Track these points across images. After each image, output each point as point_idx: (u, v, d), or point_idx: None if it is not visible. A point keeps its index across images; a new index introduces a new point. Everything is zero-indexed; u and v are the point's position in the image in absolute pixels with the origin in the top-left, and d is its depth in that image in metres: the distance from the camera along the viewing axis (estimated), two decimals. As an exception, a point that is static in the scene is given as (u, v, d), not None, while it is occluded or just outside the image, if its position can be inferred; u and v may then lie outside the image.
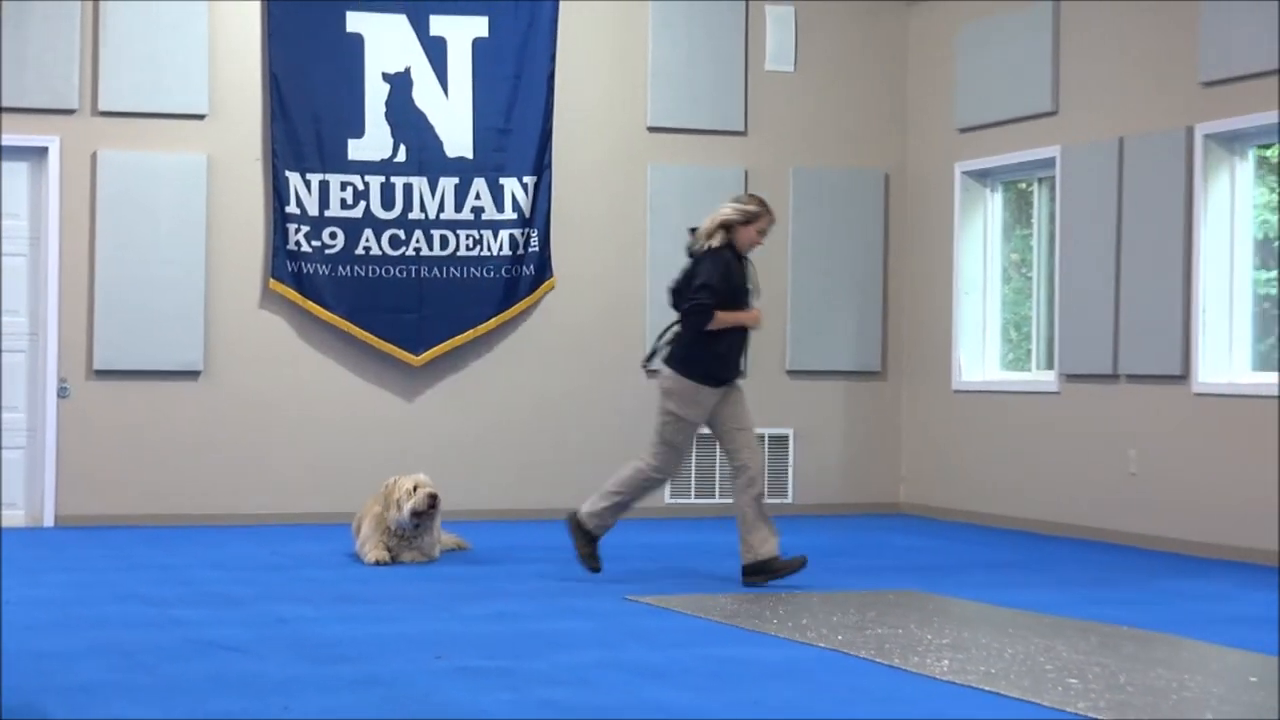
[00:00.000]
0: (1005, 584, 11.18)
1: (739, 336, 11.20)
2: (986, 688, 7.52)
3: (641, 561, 12.45)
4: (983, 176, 15.86)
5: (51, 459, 14.64)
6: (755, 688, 7.55)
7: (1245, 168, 13.26)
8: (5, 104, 14.51)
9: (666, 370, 11.17)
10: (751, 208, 11.22)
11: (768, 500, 11.18)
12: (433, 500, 12.17)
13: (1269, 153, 13.24)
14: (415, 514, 12.13)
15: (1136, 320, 13.70)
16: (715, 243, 11.12)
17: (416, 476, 12.32)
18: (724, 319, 11.00)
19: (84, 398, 14.74)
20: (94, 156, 14.75)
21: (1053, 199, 14.88)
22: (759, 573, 10.96)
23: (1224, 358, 13.24)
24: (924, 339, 16.36)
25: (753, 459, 11.11)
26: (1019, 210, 15.81)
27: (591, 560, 11.31)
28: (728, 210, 11.20)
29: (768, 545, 10.97)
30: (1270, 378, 12.94)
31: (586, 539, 11.31)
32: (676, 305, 11.29)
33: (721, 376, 11.12)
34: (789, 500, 16.22)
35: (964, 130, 15.83)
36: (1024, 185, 15.65)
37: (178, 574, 11.52)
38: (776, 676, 7.84)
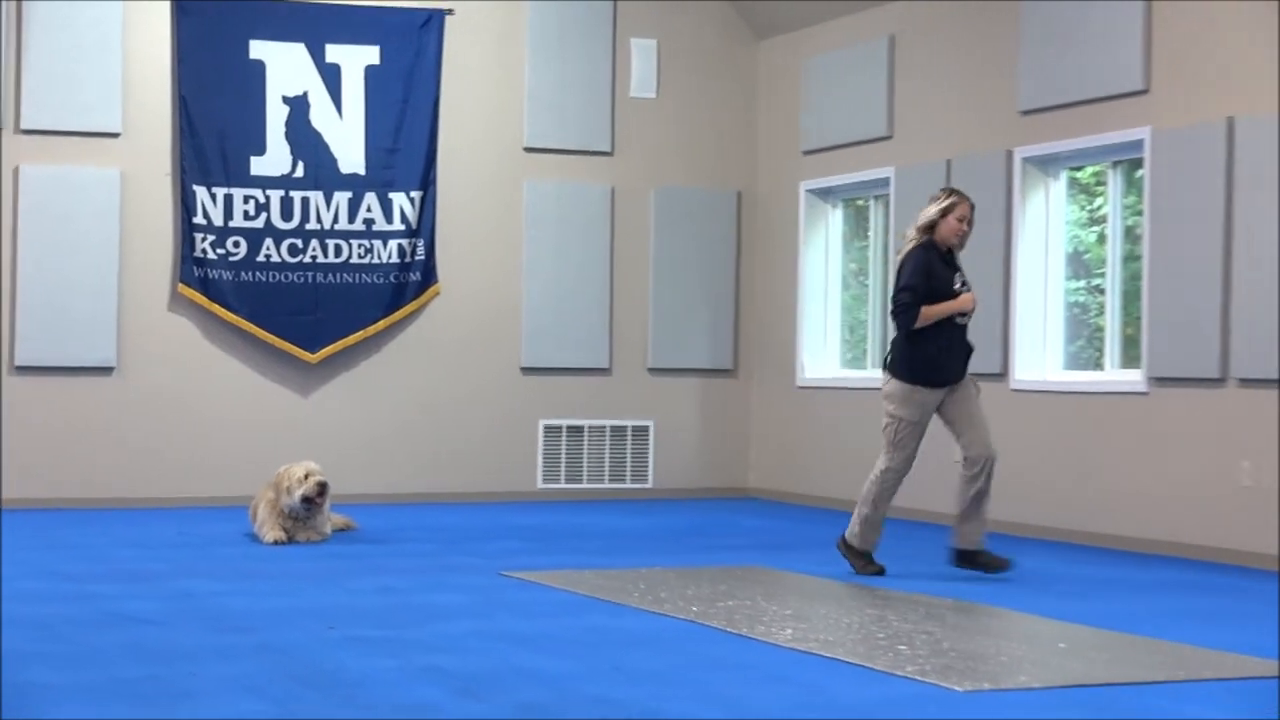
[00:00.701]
0: (840, 560, 11.20)
1: (953, 335, 10.47)
2: (826, 654, 7.55)
3: (514, 540, 12.44)
4: (825, 195, 15.93)
5: (-21, 446, 14.48)
6: (617, 654, 7.56)
7: (1058, 187, 13.38)
8: (-66, 122, 14.35)
9: (884, 374, 10.66)
10: (945, 201, 10.48)
11: (981, 494, 10.45)
12: (322, 488, 12.09)
13: (1079, 174, 13.37)
14: (305, 500, 12.06)
15: (961, 324, 13.80)
16: (916, 243, 10.50)
17: (307, 465, 12.24)
18: (929, 313, 10.35)
19: (5, 392, 14.56)
20: (16, 171, 14.57)
21: (887, 214, 14.95)
22: (968, 562, 10.50)
23: (1039, 358, 13.36)
24: (771, 340, 16.41)
25: (980, 452, 10.49)
26: (857, 225, 15.88)
27: (871, 567, 10.62)
28: (929, 210, 10.49)
29: (976, 537, 10.51)
30: (1078, 376, 13.09)
31: (860, 556, 10.64)
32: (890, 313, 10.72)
33: (935, 378, 10.45)
34: (649, 485, 16.26)
35: (808, 152, 15.88)
36: (861, 202, 15.72)
37: (93, 552, 11.41)
38: (637, 644, 7.84)
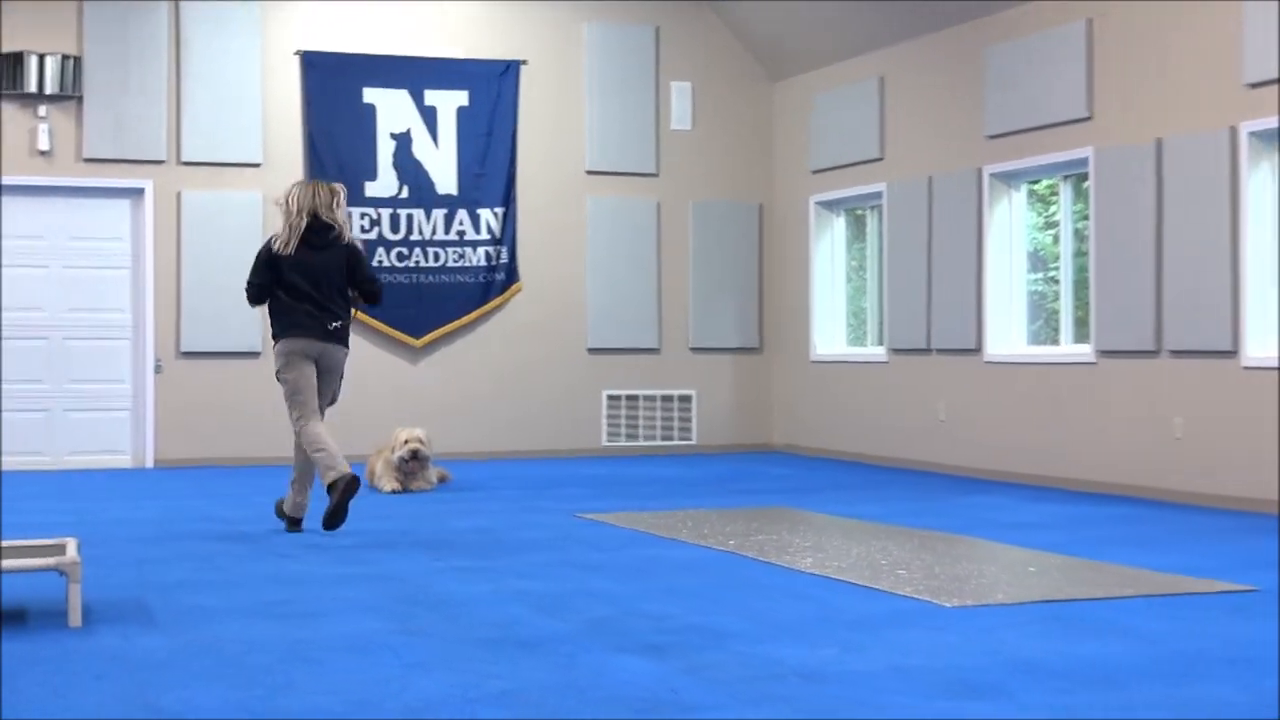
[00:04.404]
0: (851, 501, 11.18)
1: None
2: (839, 578, 7.50)
3: (584, 488, 12.41)
4: (830, 206, 15.84)
5: (150, 417, 14.50)
6: (668, 578, 7.51)
7: (1019, 198, 13.27)
8: (111, 157, 14.36)
9: None
10: None
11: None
12: (414, 454, 12.09)
13: (1036, 186, 13.25)
14: (402, 459, 12.07)
15: (945, 307, 13.71)
16: None
17: (410, 430, 12.24)
18: None
19: (174, 372, 14.60)
20: (178, 195, 14.59)
21: (881, 221, 14.86)
22: None
23: (1006, 336, 13.26)
24: (789, 323, 16.34)
25: None
26: (857, 230, 15.79)
27: None
28: None
29: None
30: (1039, 350, 12.98)
31: None
32: None
33: None
34: (693, 442, 16.20)
35: (816, 171, 15.79)
36: (860, 212, 15.63)
37: (241, 500, 11.43)
38: (684, 570, 7.80)
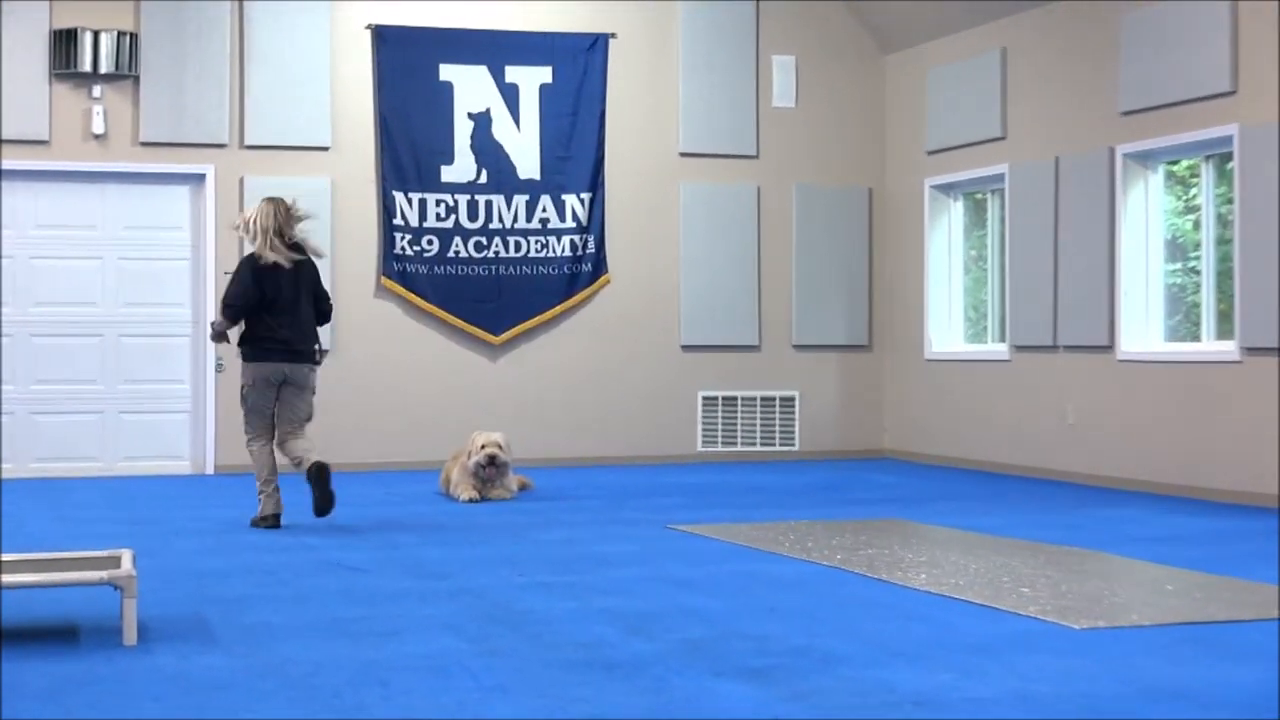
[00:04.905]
0: (969, 513, 11.11)
1: None
2: (956, 596, 7.45)
3: (677, 497, 12.40)
4: (947, 190, 15.75)
5: (211, 420, 14.65)
6: (770, 596, 7.50)
7: (1156, 180, 13.13)
8: (170, 140, 14.53)
9: None
10: None
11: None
12: (490, 459, 12.13)
13: (1175, 168, 13.11)
14: (479, 465, 12.12)
15: (1073, 301, 13.60)
16: None
17: (488, 435, 12.28)
18: None
19: (236, 372, 14.69)
20: (241, 181, 14.74)
21: (1003, 206, 14.77)
22: None
23: (1142, 331, 13.12)
24: (901, 318, 16.27)
25: None
26: (976, 216, 15.69)
27: None
28: None
29: None
30: (1177, 347, 12.84)
31: None
32: None
33: None
34: (796, 447, 16.16)
35: (931, 152, 15.71)
36: (979, 196, 15.53)
37: (311, 509, 11.49)
38: (787, 587, 7.78)
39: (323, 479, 10.14)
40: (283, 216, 10.43)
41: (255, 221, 10.35)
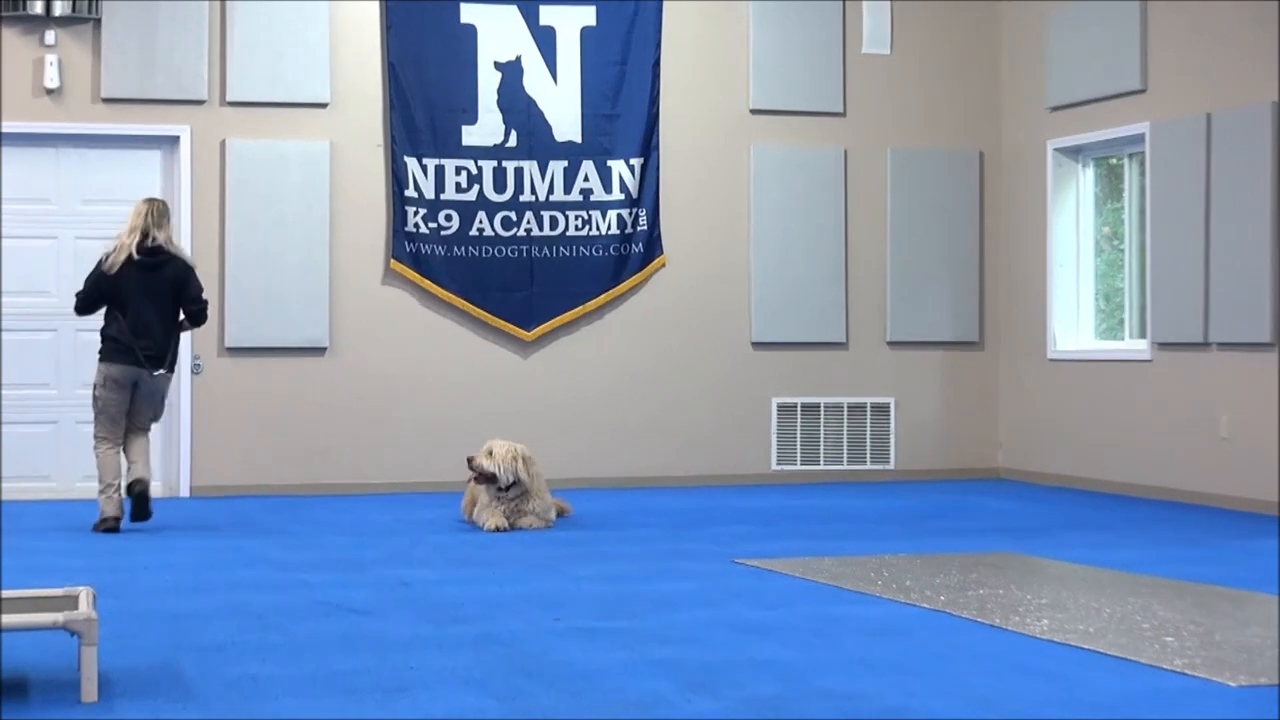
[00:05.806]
0: (1101, 545, 11.07)
1: None
2: (1085, 646, 7.42)
3: (747, 525, 12.40)
4: (1074, 153, 15.72)
5: (186, 435, 14.72)
6: (860, 645, 7.48)
7: (1331, 141, 13.11)
8: (137, 96, 14.62)
9: None
10: None
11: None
12: (481, 472, 12.04)
13: (1354, 126, 13.07)
14: (473, 478, 12.19)
15: (1226, 289, 13.54)
16: None
17: (502, 443, 12.20)
18: None
19: (215, 374, 14.81)
20: (223, 144, 14.82)
21: (1143, 173, 14.74)
22: None
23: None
24: (1019, 310, 16.25)
25: None
26: (1110, 185, 15.66)
27: None
28: None
29: None
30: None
31: None
32: None
33: None
34: (891, 466, 16.15)
35: (1055, 109, 15.70)
36: (1114, 161, 15.50)
37: (305, 540, 11.56)
38: (881, 634, 7.76)
39: (141, 503, 11.87)
40: (154, 217, 11.97)
41: (127, 220, 12.08)
